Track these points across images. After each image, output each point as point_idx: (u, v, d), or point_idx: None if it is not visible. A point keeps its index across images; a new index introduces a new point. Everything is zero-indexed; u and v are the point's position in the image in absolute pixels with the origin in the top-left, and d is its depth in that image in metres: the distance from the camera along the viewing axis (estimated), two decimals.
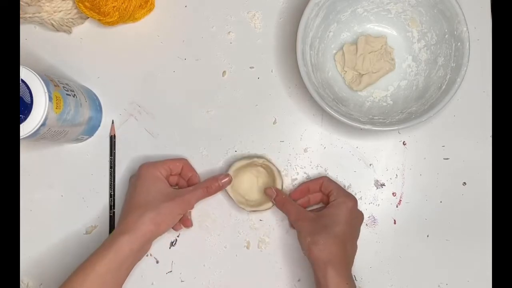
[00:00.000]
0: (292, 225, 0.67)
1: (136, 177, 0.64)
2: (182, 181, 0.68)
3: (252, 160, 0.67)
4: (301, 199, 0.67)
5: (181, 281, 0.69)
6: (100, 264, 0.57)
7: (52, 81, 0.59)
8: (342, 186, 0.68)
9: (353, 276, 0.65)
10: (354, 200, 0.64)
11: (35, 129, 0.55)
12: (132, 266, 0.60)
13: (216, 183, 0.65)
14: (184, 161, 0.67)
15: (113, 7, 0.65)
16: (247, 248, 0.69)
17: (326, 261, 0.58)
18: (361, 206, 0.69)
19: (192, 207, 0.65)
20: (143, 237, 0.59)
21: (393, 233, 0.69)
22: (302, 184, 0.68)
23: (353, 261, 0.63)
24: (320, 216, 0.62)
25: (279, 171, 0.68)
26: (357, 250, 0.67)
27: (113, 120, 0.70)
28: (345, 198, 0.63)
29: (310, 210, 0.66)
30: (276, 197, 0.66)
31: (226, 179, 0.65)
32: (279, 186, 0.67)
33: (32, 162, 0.70)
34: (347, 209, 0.62)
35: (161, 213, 0.60)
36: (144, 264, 0.69)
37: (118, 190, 0.69)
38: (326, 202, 0.66)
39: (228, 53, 0.71)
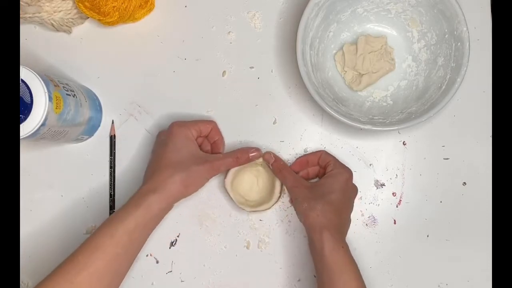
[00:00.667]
0: (290, 199, 0.68)
1: (167, 134, 0.63)
2: (206, 142, 0.67)
3: None
4: (300, 172, 0.68)
5: (181, 281, 0.69)
6: (129, 220, 0.56)
7: (52, 81, 0.59)
8: None
9: None
10: (350, 172, 0.65)
11: (35, 129, 0.55)
12: (156, 225, 0.60)
13: (246, 155, 0.65)
14: (213, 124, 0.67)
15: (113, 7, 0.65)
16: (247, 248, 0.69)
17: (322, 226, 0.59)
18: (361, 206, 0.69)
19: (218, 173, 0.64)
20: (172, 197, 0.59)
21: (393, 233, 0.69)
22: (301, 156, 0.68)
23: (347, 232, 0.64)
24: (317, 185, 0.63)
25: None
26: (357, 250, 0.67)
27: (113, 120, 0.70)
28: (342, 169, 0.64)
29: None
30: (274, 162, 0.66)
31: (256, 153, 0.66)
32: (278, 186, 0.67)
33: (32, 162, 0.70)
34: (343, 179, 0.63)
35: (191, 176, 0.60)
36: (144, 264, 0.69)
37: (118, 190, 0.69)
38: (322, 176, 0.67)
39: (228, 53, 0.71)
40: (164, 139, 0.63)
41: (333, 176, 0.63)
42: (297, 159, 0.69)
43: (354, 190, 0.66)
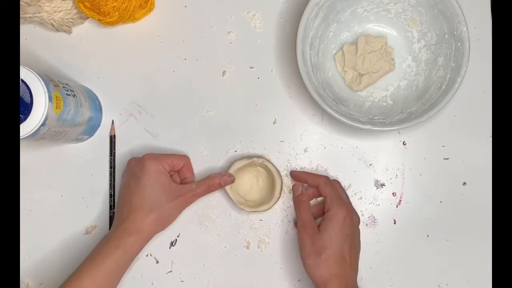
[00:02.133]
0: (296, 225, 0.68)
1: (140, 168, 0.63)
2: (176, 176, 0.68)
3: (251, 160, 0.67)
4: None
5: (181, 281, 0.69)
6: (109, 262, 0.59)
7: (52, 81, 0.59)
8: (341, 185, 0.68)
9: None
10: (345, 210, 0.63)
11: (35, 129, 0.55)
12: (133, 259, 0.63)
13: (218, 180, 0.66)
14: (186, 160, 0.67)
15: (113, 7, 0.65)
16: (247, 248, 0.69)
17: (326, 282, 0.60)
18: (361, 206, 0.69)
19: (191, 204, 0.66)
20: (148, 237, 0.62)
21: (393, 233, 0.69)
22: (303, 173, 0.68)
23: (357, 263, 0.63)
24: (320, 233, 0.62)
25: (278, 171, 0.68)
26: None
27: (113, 120, 0.70)
28: (337, 209, 0.62)
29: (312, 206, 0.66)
30: (298, 196, 0.66)
31: (229, 179, 0.66)
32: (278, 187, 0.67)
33: (32, 162, 0.70)
34: (341, 221, 0.62)
35: (165, 214, 0.63)
36: (144, 264, 0.69)
37: (118, 190, 0.69)
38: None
39: (228, 53, 0.71)
40: (136, 173, 0.63)
41: (330, 220, 0.62)
42: (300, 172, 0.68)
43: (355, 223, 0.64)
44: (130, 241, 0.61)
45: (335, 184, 0.66)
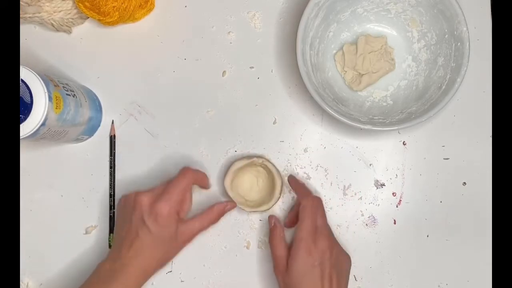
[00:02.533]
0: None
1: (152, 219, 0.60)
2: (188, 199, 0.65)
3: (251, 160, 0.67)
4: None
5: (181, 281, 0.69)
6: None
7: (52, 81, 0.59)
8: (339, 189, 0.68)
9: (354, 276, 0.65)
10: (309, 241, 0.59)
11: (35, 129, 0.55)
12: None
13: (222, 210, 0.65)
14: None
15: (113, 7, 0.65)
16: (247, 248, 0.69)
17: None
18: (361, 206, 0.69)
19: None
20: (151, 275, 0.62)
21: (393, 233, 0.69)
22: (297, 183, 0.67)
23: (347, 277, 0.62)
24: (287, 272, 0.60)
25: (278, 171, 0.68)
26: (357, 250, 0.67)
27: (113, 120, 0.70)
28: (298, 243, 0.60)
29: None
30: (271, 228, 0.65)
31: (232, 206, 0.66)
32: (278, 187, 0.67)
33: (32, 162, 0.70)
34: (305, 257, 0.59)
35: (170, 256, 0.63)
36: None
37: (118, 190, 0.69)
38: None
39: (228, 53, 0.71)
40: (145, 221, 0.60)
41: (293, 258, 0.60)
42: (294, 179, 0.68)
43: (317, 251, 0.59)
44: (135, 280, 0.60)
45: (315, 211, 0.62)
